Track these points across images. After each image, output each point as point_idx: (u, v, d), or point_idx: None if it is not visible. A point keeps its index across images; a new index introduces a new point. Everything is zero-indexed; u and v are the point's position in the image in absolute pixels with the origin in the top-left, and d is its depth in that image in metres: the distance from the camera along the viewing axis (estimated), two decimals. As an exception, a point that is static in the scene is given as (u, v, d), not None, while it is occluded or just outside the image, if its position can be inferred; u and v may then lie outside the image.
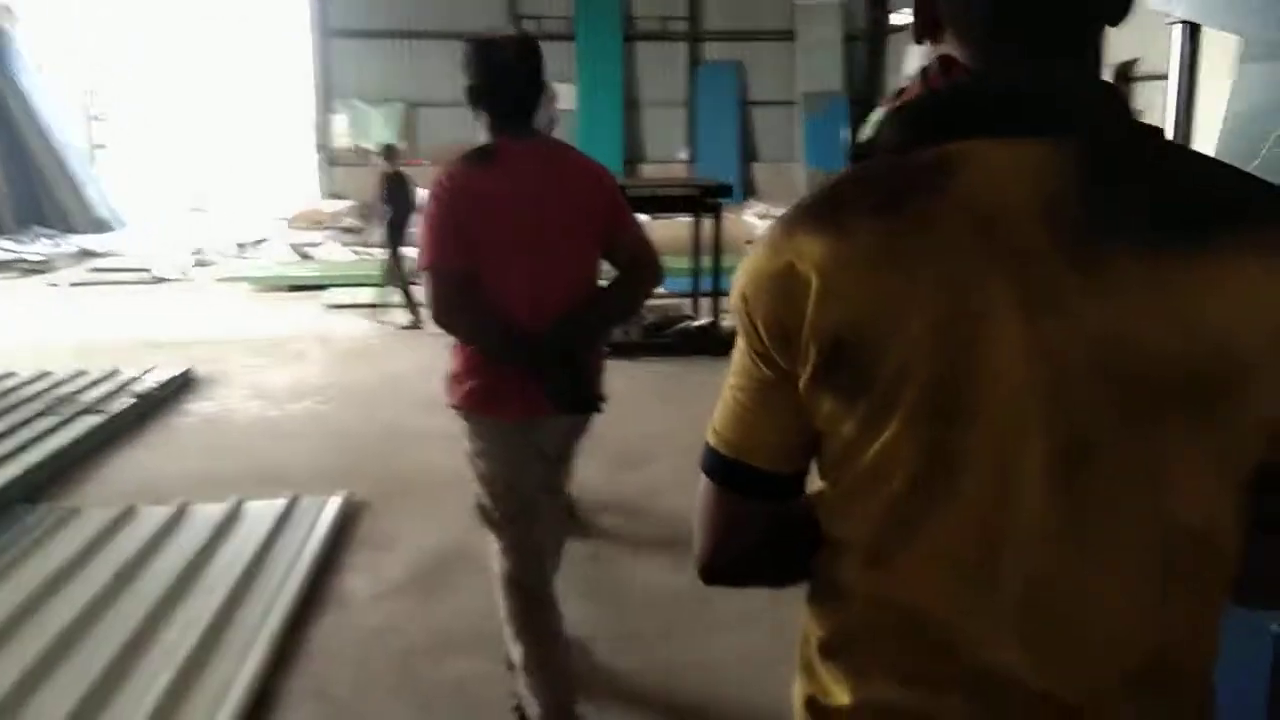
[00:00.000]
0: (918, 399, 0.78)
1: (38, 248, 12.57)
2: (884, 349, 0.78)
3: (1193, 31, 2.01)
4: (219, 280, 10.61)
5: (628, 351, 6.32)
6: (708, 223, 7.16)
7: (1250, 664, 1.65)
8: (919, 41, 0.90)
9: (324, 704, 2.79)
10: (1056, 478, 0.77)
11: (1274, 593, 0.91)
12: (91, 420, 5.11)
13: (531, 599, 2.54)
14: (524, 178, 2.38)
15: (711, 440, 0.93)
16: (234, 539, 3.70)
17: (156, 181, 18.48)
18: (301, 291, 9.78)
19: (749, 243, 11.33)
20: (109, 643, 2.89)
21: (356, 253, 11.84)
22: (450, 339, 2.46)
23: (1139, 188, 0.76)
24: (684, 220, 7.66)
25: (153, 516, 3.88)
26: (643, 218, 2.66)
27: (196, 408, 5.82)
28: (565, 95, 14.26)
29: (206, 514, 3.91)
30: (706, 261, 7.17)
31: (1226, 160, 0.84)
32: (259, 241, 13.03)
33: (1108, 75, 0.86)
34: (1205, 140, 2.30)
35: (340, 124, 16.57)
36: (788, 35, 16.78)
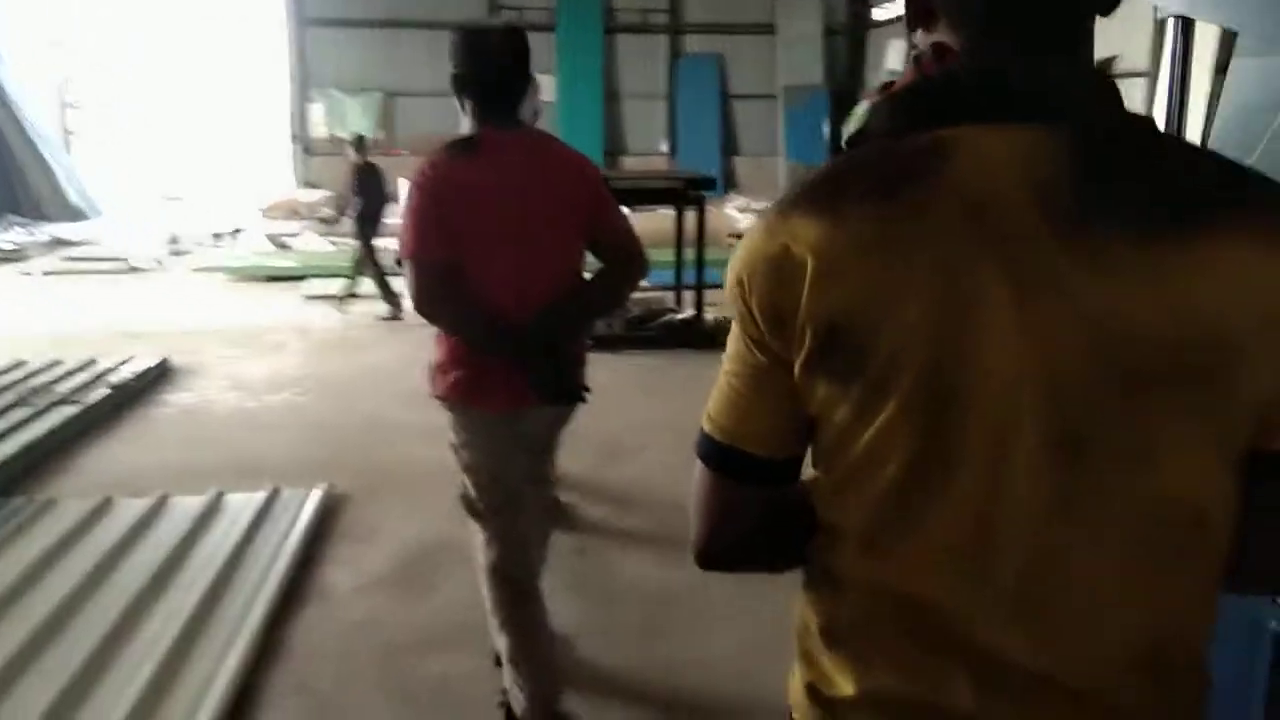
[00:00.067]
0: (912, 384, 0.79)
1: (11, 236, 12.39)
2: (878, 333, 0.79)
3: (1185, 26, 2.00)
4: (195, 270, 10.49)
5: (611, 344, 6.29)
6: (690, 216, 7.15)
7: (1250, 661, 1.65)
8: (912, 30, 0.90)
9: (306, 699, 2.76)
10: (1052, 461, 0.77)
11: (1266, 581, 0.93)
12: (67, 411, 5.04)
13: (517, 590, 2.53)
14: (508, 168, 2.37)
15: (706, 426, 0.93)
16: (214, 532, 3.66)
17: (131, 170, 18.25)
18: (279, 282, 9.68)
19: (732, 236, 11.37)
20: (87, 637, 2.85)
21: (334, 243, 11.73)
22: (432, 330, 2.46)
23: (1131, 174, 0.77)
24: (666, 213, 7.64)
25: (131, 509, 3.83)
26: (624, 210, 2.65)
27: (174, 399, 5.75)
28: (545, 87, 14.19)
29: (186, 506, 3.86)
30: (689, 254, 7.16)
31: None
32: (235, 231, 12.90)
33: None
34: (1193, 134, 2.30)
35: (317, 113, 16.40)
36: (768, 28, 16.75)
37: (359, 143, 8.23)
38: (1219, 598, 0.85)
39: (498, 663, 2.65)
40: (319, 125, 16.38)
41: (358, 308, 8.07)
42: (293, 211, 14.15)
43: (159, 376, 6.06)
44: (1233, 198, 0.76)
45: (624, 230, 2.53)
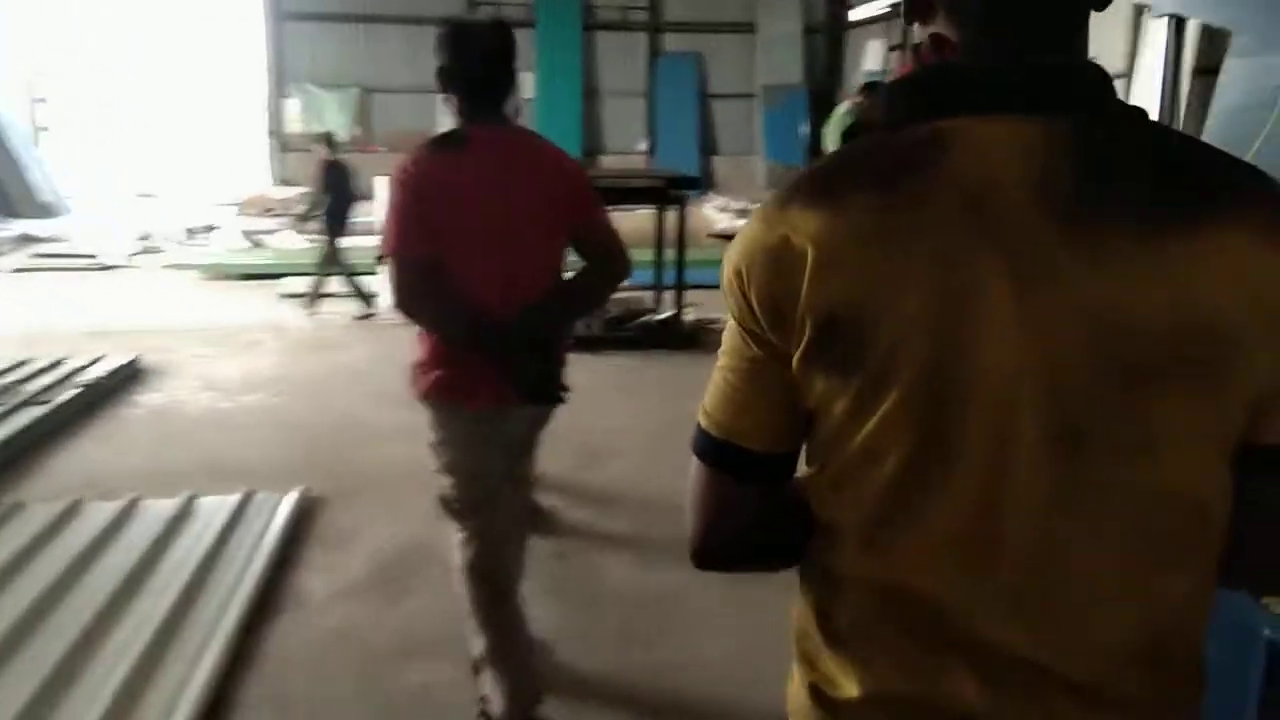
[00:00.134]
0: (912, 375, 0.79)
1: (-22, 232, 12.15)
2: (878, 325, 0.79)
3: (1178, 26, 1.98)
4: (167, 268, 10.33)
5: (589, 345, 6.24)
6: (671, 215, 7.10)
7: (1243, 668, 1.64)
8: (910, 22, 0.90)
9: (281, 710, 2.70)
10: (1052, 453, 0.78)
11: (1259, 576, 0.93)
12: (35, 411, 4.93)
13: (495, 589, 2.53)
14: (493, 165, 2.36)
15: (702, 422, 0.93)
16: (186, 536, 3.58)
17: (103, 166, 17.98)
18: (254, 280, 9.55)
19: (711, 235, 11.32)
20: (55, 645, 2.77)
21: (312, 241, 11.59)
22: (407, 329, 2.44)
23: (1130, 167, 0.78)
24: (646, 212, 7.58)
25: (101, 512, 3.74)
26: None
27: (145, 399, 5.64)
28: (525, 84, 14.14)
29: (157, 509, 3.77)
30: (669, 254, 7.11)
31: None
32: (209, 228, 12.73)
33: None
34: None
35: (293, 109, 16.24)
36: (748, 27, 16.76)
37: (328, 139, 8.15)
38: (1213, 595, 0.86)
39: (475, 670, 2.62)
40: (295, 121, 16.23)
41: (330, 307, 7.98)
42: (267, 209, 13.99)
43: (130, 376, 5.95)
44: (1230, 190, 0.77)
45: (608, 229, 2.53)
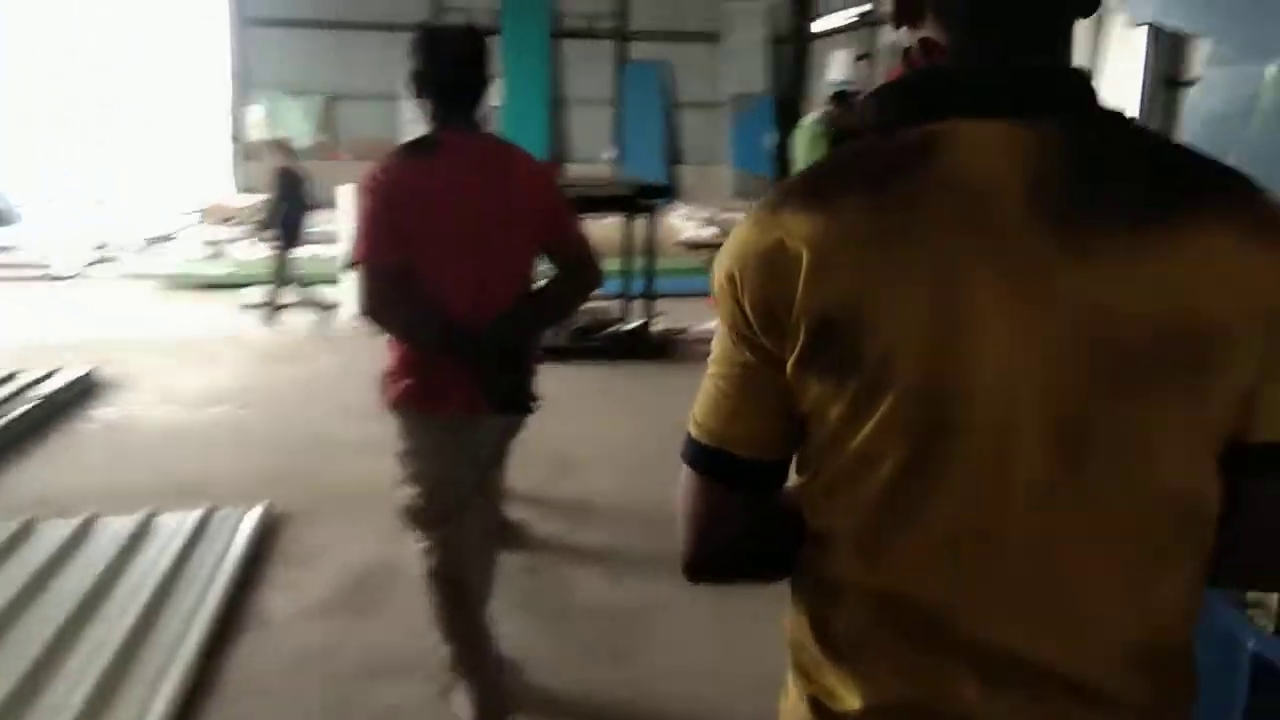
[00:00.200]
0: (908, 378, 0.79)
1: (-74, 241, 11.86)
2: (873, 328, 0.79)
3: (1157, 34, 1.97)
4: (125, 277, 10.13)
5: (558, 355, 6.17)
6: (638, 224, 7.07)
7: (1229, 680, 1.63)
8: (897, 26, 0.91)
9: (245, 735, 2.62)
10: (1050, 452, 0.78)
11: (1249, 576, 0.96)
12: (-14, 427, 4.79)
13: (460, 596, 2.53)
14: (464, 171, 2.35)
15: (693, 430, 0.92)
16: (145, 555, 3.47)
17: (57, 172, 17.64)
18: (214, 290, 9.38)
19: (678, 244, 11.30)
20: (8, 670, 2.67)
21: (272, 249, 11.42)
22: (378, 339, 2.43)
23: (1118, 167, 0.79)
24: (612, 221, 7.54)
25: (55, 531, 3.62)
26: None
27: (101, 413, 5.50)
28: (491, 91, 14.03)
29: (114, 528, 3.66)
30: (638, 263, 7.08)
31: None
32: (168, 237, 12.51)
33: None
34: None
35: (257, 115, 16.05)
36: (713, 37, 16.83)
37: (281, 145, 8.06)
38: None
39: (445, 692, 2.60)
40: (258, 128, 16.04)
41: (291, 317, 7.86)
42: (229, 217, 13.78)
43: (85, 390, 5.79)
44: (1217, 192, 0.78)
45: (580, 237, 2.53)
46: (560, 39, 16.90)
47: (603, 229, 7.68)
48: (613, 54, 17.07)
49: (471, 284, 2.34)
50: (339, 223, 8.19)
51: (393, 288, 2.28)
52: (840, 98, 7.20)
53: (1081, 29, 0.89)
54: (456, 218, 2.33)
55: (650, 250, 6.94)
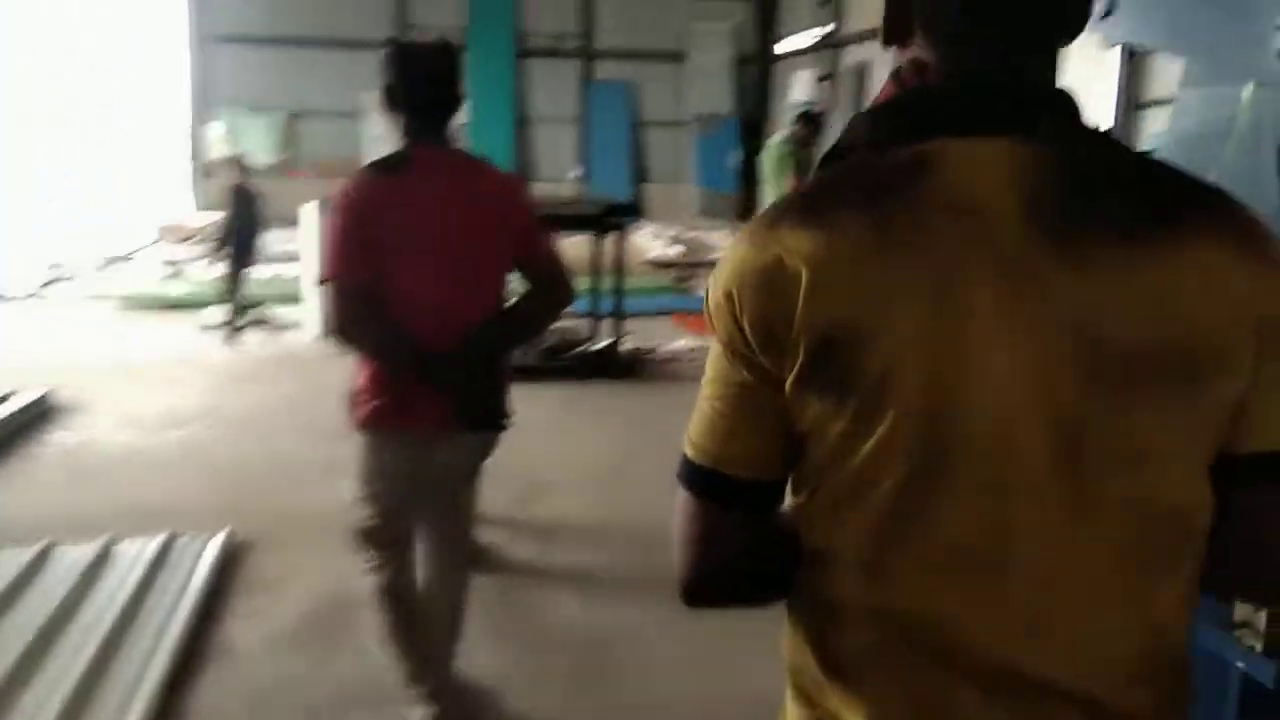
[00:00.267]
0: (909, 394, 0.79)
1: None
2: (873, 344, 0.79)
3: (1132, 55, 1.98)
4: (83, 298, 9.93)
5: (526, 375, 6.12)
6: (606, 243, 7.05)
7: (1218, 700, 1.63)
8: (886, 46, 0.92)
9: (210, 771, 2.53)
10: (1051, 465, 0.79)
11: (1242, 587, 0.98)
12: (-64, 453, 4.65)
13: (410, 610, 2.53)
14: (436, 188, 2.35)
15: (688, 452, 0.92)
16: (104, 585, 3.37)
17: (9, 190, 17.29)
18: (174, 311, 9.22)
19: (644, 263, 11.29)
20: (-43, 711, 2.57)
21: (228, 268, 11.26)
22: (342, 360, 2.44)
23: (1109, 183, 0.81)
24: (580, 239, 7.52)
25: (10, 560, 3.49)
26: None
27: (57, 438, 5.36)
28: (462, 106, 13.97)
29: (72, 557, 3.55)
30: (606, 282, 7.06)
31: None
32: (127, 256, 12.31)
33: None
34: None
35: (217, 133, 15.87)
36: (679, 57, 16.93)
37: (235, 163, 8.00)
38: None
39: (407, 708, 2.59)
40: (219, 146, 15.86)
41: (251, 338, 7.75)
42: (188, 236, 13.58)
43: (41, 414, 5.64)
44: (1204, 208, 0.81)
45: (552, 254, 2.53)
46: (526, 58, 16.96)
47: (571, 248, 7.66)
48: (578, 73, 17.14)
49: (444, 301, 2.33)
50: (301, 241, 8.11)
51: (362, 306, 2.27)
52: (806, 118, 7.27)
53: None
54: (429, 234, 2.32)
55: (619, 269, 6.91)
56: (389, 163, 2.38)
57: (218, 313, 7.97)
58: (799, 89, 15.86)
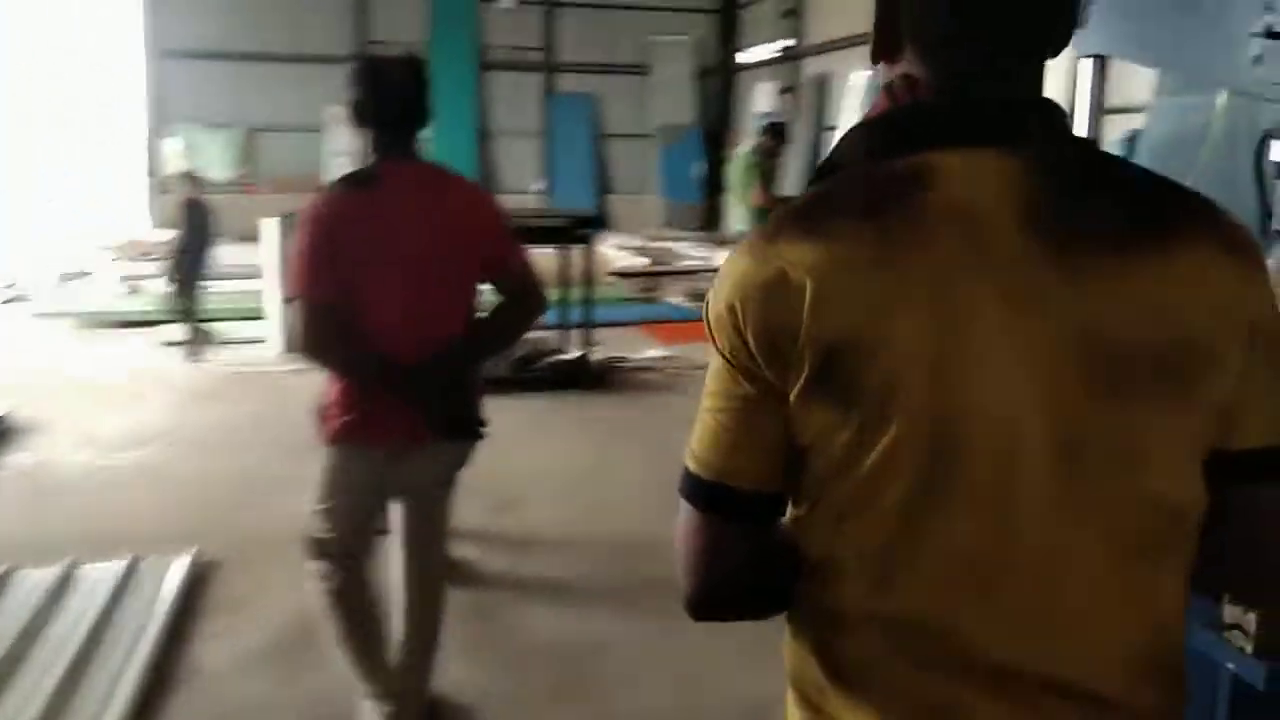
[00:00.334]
0: (913, 403, 0.80)
1: None
2: (876, 354, 0.80)
3: (1101, 66, 2.01)
4: (37, 316, 9.72)
5: (497, 386, 6.08)
6: (574, 254, 7.05)
7: (1209, 702, 1.63)
8: (876, 61, 0.93)
9: (182, 798, 2.47)
10: (1052, 467, 0.80)
11: (1235, 585, 1.01)
12: (-112, 477, 4.52)
13: (364, 616, 2.52)
14: (406, 202, 2.33)
15: (691, 465, 0.92)
16: (68, 609, 3.29)
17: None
18: (133, 328, 9.05)
19: (611, 274, 11.29)
20: (-85, 743, 2.49)
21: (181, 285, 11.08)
22: (310, 374, 2.42)
23: (1102, 190, 0.83)
24: (547, 252, 7.50)
25: (-33, 587, 3.41)
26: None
27: (15, 459, 5.23)
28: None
29: (33, 581, 3.46)
30: (574, 294, 7.04)
31: None
32: (83, 274, 12.08)
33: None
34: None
35: (174, 149, 15.65)
36: (641, 69, 16.99)
37: (188, 178, 7.93)
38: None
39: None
40: (176, 161, 15.64)
41: (213, 355, 7.65)
42: (145, 252, 13.35)
43: (-2, 434, 5.52)
44: (1191, 214, 0.83)
45: (524, 265, 2.53)
46: (488, 71, 16.94)
47: (539, 259, 7.64)
48: (541, 86, 17.13)
49: (416, 314, 2.33)
50: (262, 257, 8.00)
51: (331, 323, 2.26)
52: (772, 129, 7.35)
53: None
54: (400, 249, 2.31)
55: (588, 280, 6.90)
56: (358, 178, 2.37)
57: (177, 330, 7.85)
58: (761, 100, 15.98)
